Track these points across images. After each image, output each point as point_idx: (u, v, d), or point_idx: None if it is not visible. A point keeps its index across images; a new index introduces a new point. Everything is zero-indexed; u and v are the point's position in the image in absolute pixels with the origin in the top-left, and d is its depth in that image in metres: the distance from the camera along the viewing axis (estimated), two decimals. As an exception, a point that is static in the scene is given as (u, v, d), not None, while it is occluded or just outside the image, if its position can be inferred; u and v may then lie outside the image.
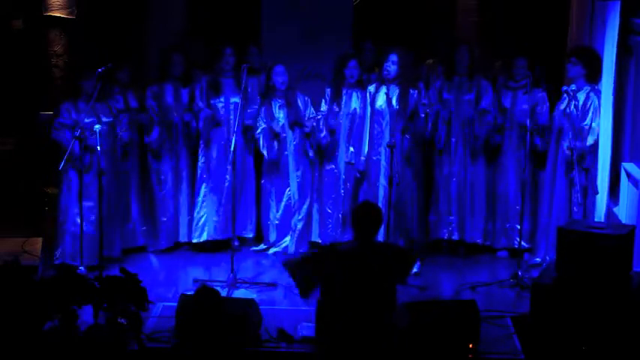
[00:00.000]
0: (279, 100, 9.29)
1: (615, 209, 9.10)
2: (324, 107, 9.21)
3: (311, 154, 9.32)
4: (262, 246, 9.57)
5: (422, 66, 9.67)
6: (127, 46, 10.18)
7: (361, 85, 9.07)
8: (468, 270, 9.06)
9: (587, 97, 8.72)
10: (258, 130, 9.25)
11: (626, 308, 7.08)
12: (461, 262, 9.30)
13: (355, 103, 9.06)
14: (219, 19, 10.86)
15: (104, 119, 8.80)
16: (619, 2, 8.69)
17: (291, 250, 9.34)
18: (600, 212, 8.89)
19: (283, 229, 9.46)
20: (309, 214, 9.44)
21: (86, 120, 8.63)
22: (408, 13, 10.91)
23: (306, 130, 9.25)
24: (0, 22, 10.74)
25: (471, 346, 7.03)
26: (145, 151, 9.42)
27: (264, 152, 9.29)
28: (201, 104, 9.34)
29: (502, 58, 9.58)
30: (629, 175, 8.89)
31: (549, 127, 8.94)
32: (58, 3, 9.50)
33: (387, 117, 8.67)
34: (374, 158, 8.72)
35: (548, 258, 8.85)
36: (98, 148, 8.35)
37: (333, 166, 9.26)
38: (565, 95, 8.76)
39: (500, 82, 9.36)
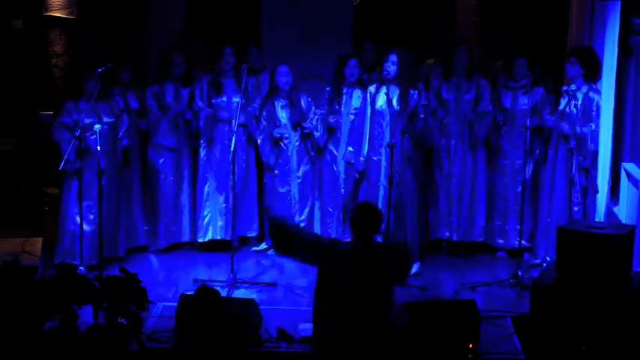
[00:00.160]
0: (283, 100, 9.30)
1: (615, 209, 9.11)
2: (323, 108, 9.22)
3: (312, 153, 9.32)
4: (263, 245, 9.56)
5: (422, 66, 9.68)
6: (127, 46, 10.18)
7: (361, 85, 9.08)
8: (468, 270, 9.06)
9: (587, 97, 8.72)
10: (260, 138, 9.26)
11: (626, 308, 7.08)
12: (461, 262, 9.30)
13: (356, 102, 9.06)
14: (219, 19, 10.87)
15: (105, 119, 8.80)
16: (619, 2, 8.70)
17: None
18: (600, 212, 8.90)
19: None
20: (310, 214, 9.44)
21: (86, 120, 8.62)
22: (407, 13, 10.92)
23: (306, 130, 9.25)
24: (0, 22, 10.75)
25: (471, 346, 7.03)
26: (144, 151, 9.42)
27: (265, 159, 9.32)
28: (201, 104, 9.34)
29: (502, 58, 9.58)
30: (629, 175, 8.90)
31: (550, 128, 8.94)
32: (58, 3, 9.50)
33: (387, 117, 8.67)
34: (374, 158, 8.72)
35: (548, 258, 8.85)
36: (98, 148, 8.35)
37: (334, 167, 9.27)
38: (565, 95, 8.76)
39: (500, 81, 9.36)
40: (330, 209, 9.29)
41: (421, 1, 11.03)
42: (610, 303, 7.08)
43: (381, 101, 8.70)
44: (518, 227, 8.92)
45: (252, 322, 7.30)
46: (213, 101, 9.34)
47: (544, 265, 8.70)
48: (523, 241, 8.90)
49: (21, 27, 10.76)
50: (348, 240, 6.49)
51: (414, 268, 8.84)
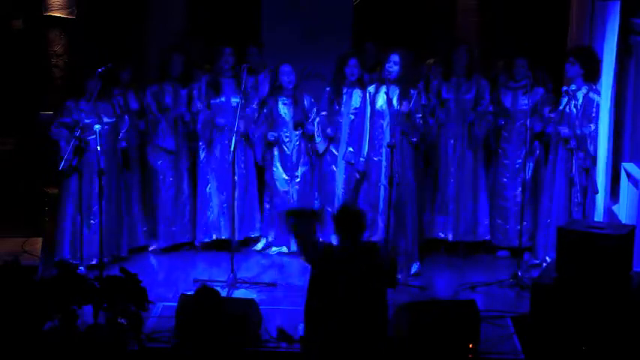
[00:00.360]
0: (286, 99, 9.30)
1: (615, 209, 9.11)
2: (323, 113, 9.23)
3: (312, 154, 9.33)
4: (262, 244, 9.56)
5: (422, 66, 9.68)
6: (127, 46, 10.18)
7: (361, 85, 9.08)
8: (468, 270, 9.06)
9: (586, 97, 8.72)
10: (256, 136, 9.27)
11: (626, 308, 7.08)
12: (461, 262, 9.30)
13: (356, 102, 9.06)
14: (219, 19, 10.87)
15: (106, 119, 8.79)
16: (619, 2, 8.70)
17: (293, 248, 9.33)
18: (600, 212, 8.90)
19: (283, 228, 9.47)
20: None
21: (86, 120, 8.62)
22: (407, 13, 10.92)
23: (307, 132, 9.26)
24: (0, 22, 10.75)
25: (471, 346, 7.03)
26: (143, 152, 9.42)
27: (257, 157, 9.33)
28: (199, 104, 9.34)
29: (502, 58, 9.59)
30: (629, 175, 8.90)
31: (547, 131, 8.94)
32: (58, 3, 9.50)
33: (387, 117, 8.66)
34: (374, 159, 8.72)
35: (548, 258, 8.85)
36: (98, 148, 8.34)
37: (334, 167, 9.27)
38: (565, 95, 8.76)
39: (501, 81, 9.36)
40: (330, 209, 9.29)
41: (421, 1, 11.03)
42: (610, 303, 7.08)
43: (380, 101, 8.69)
44: (519, 227, 8.92)
45: (252, 322, 7.30)
46: (212, 101, 9.34)
47: (544, 265, 8.69)
48: (523, 241, 8.89)
49: (21, 27, 10.76)
50: (336, 242, 6.50)
51: (414, 268, 8.84)
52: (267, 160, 9.43)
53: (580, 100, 8.72)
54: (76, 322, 6.97)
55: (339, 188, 9.24)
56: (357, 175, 8.82)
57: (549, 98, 9.08)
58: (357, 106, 9.03)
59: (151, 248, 9.52)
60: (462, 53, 9.24)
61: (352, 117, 9.06)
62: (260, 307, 7.51)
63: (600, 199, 8.88)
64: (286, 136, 9.34)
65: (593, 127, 8.66)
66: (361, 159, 8.73)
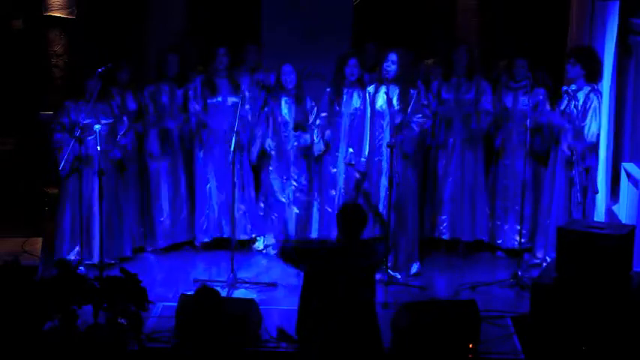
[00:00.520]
0: (289, 98, 9.30)
1: (615, 209, 9.11)
2: (323, 115, 9.22)
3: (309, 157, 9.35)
4: (261, 243, 9.57)
5: (422, 66, 9.68)
6: (127, 46, 10.18)
7: (361, 85, 9.07)
8: (467, 270, 9.06)
9: (587, 98, 8.72)
10: (257, 144, 9.28)
11: (626, 308, 7.08)
12: (461, 261, 9.30)
13: (356, 103, 9.06)
14: (219, 19, 10.87)
15: (103, 120, 8.78)
16: (619, 2, 8.70)
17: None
18: (600, 212, 8.90)
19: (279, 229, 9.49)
20: (308, 216, 9.42)
21: (85, 120, 8.61)
22: (407, 13, 10.92)
23: (304, 144, 9.27)
24: (0, 22, 10.75)
25: (471, 346, 7.03)
26: (141, 152, 9.42)
27: (252, 160, 9.37)
28: (194, 105, 9.33)
29: (503, 58, 9.59)
30: (629, 175, 8.90)
31: (549, 127, 8.93)
32: (58, 3, 9.50)
33: (387, 117, 8.66)
34: (375, 159, 8.72)
35: (548, 258, 8.86)
36: (98, 148, 8.34)
37: (334, 169, 9.27)
38: (565, 95, 8.76)
39: (502, 81, 9.36)
40: (330, 209, 9.28)
41: (421, 1, 11.02)
42: (610, 303, 7.08)
43: (380, 101, 8.69)
44: (518, 227, 8.92)
45: (252, 322, 7.30)
46: (209, 101, 9.34)
47: (544, 265, 8.70)
48: (523, 241, 8.89)
49: (21, 27, 10.76)
50: (335, 240, 6.50)
51: (414, 268, 8.84)
52: (264, 159, 9.42)
53: (580, 101, 8.72)
54: (76, 322, 6.97)
55: (339, 189, 9.23)
56: (357, 176, 8.81)
57: (549, 98, 9.08)
58: (357, 106, 9.03)
59: (149, 248, 9.52)
60: (462, 53, 9.24)
61: (352, 117, 9.05)
62: (260, 307, 7.51)
63: (600, 199, 8.88)
64: (285, 136, 9.33)
65: (594, 125, 8.64)
66: (362, 159, 8.72)
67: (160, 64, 9.38)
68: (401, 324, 7.02)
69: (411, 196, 8.75)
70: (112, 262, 8.87)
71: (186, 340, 6.99)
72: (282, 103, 9.30)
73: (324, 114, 9.22)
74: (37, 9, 9.65)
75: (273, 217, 9.46)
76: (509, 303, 8.17)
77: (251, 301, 7.49)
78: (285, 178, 9.38)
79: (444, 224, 9.37)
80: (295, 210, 9.39)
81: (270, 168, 9.39)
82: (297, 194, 9.37)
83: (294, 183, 9.38)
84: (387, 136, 8.65)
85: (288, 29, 10.13)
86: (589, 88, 8.72)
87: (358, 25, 10.38)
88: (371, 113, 8.71)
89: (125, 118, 9.04)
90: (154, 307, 7.76)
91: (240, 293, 8.36)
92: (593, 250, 7.16)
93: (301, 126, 9.30)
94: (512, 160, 9.22)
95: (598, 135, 8.71)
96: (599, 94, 8.71)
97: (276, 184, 9.40)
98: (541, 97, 9.05)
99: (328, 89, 9.22)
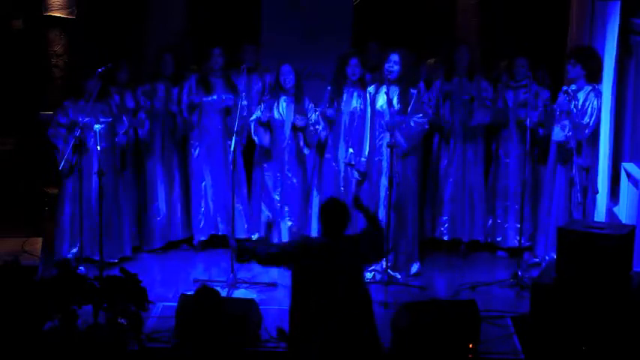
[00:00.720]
0: (287, 98, 9.29)
1: (615, 209, 9.11)
2: (324, 106, 9.22)
3: (306, 150, 9.30)
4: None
5: (422, 66, 9.68)
6: (127, 46, 10.17)
7: (362, 85, 9.07)
8: (467, 270, 9.06)
9: (587, 97, 8.71)
10: (253, 117, 9.24)
11: (626, 308, 7.08)
12: (461, 261, 9.30)
13: (356, 102, 9.06)
14: (219, 19, 10.86)
15: (102, 119, 8.78)
16: (619, 2, 8.70)
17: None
18: (600, 212, 8.90)
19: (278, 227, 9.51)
20: (301, 217, 9.41)
21: (85, 120, 8.60)
22: (408, 13, 10.91)
23: (298, 124, 9.20)
24: (0, 22, 10.74)
25: (471, 346, 7.03)
26: (138, 151, 9.41)
27: (256, 138, 9.27)
28: (185, 100, 9.33)
29: (503, 58, 9.59)
30: (629, 175, 8.89)
31: (550, 117, 8.91)
32: (58, 3, 9.50)
33: (388, 117, 8.65)
34: (375, 159, 8.71)
35: (548, 258, 8.86)
36: (98, 148, 8.34)
37: (334, 164, 9.26)
38: (565, 95, 8.75)
39: (503, 81, 9.36)
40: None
41: (421, 1, 11.02)
42: (610, 303, 7.08)
43: (381, 101, 8.69)
44: (518, 226, 8.92)
45: (252, 322, 7.30)
46: (204, 99, 9.35)
47: (544, 264, 8.70)
48: (523, 241, 8.89)
49: (21, 27, 10.76)
50: (318, 236, 6.51)
51: (414, 268, 8.84)
52: (257, 157, 9.41)
53: (580, 101, 8.71)
54: (76, 322, 6.97)
55: (339, 188, 9.23)
56: (357, 176, 8.80)
57: (549, 99, 9.08)
58: (357, 106, 9.02)
59: (146, 248, 9.51)
60: (463, 52, 9.24)
61: (352, 117, 9.05)
62: (260, 307, 7.50)
63: (600, 199, 8.87)
64: (281, 135, 9.32)
65: (587, 119, 8.63)
66: (362, 159, 8.72)
67: (156, 63, 9.38)
68: (401, 324, 7.02)
69: (411, 196, 8.75)
70: (114, 261, 8.87)
71: (186, 340, 7.00)
72: (281, 102, 9.30)
73: (321, 108, 9.20)
74: (37, 9, 9.65)
75: (266, 215, 9.47)
76: (509, 303, 8.17)
77: (251, 301, 7.49)
78: (279, 175, 9.37)
79: (445, 225, 9.38)
80: (288, 222, 9.40)
81: (265, 165, 9.39)
82: (293, 229, 9.36)
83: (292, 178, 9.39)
84: (387, 136, 8.64)
85: (288, 29, 10.12)
86: (589, 88, 8.72)
87: (358, 25, 10.37)
88: (371, 113, 8.71)
89: (124, 118, 9.03)
90: (154, 307, 7.77)
91: (240, 293, 8.36)
92: (593, 250, 7.16)
93: (299, 127, 9.29)
94: (512, 160, 9.22)
95: (597, 131, 8.71)
96: (599, 94, 8.71)
97: (269, 182, 9.40)
98: (540, 97, 9.05)
99: (329, 88, 9.22)
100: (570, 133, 8.55)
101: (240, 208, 9.48)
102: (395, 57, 8.61)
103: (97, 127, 8.41)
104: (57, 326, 6.97)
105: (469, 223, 9.39)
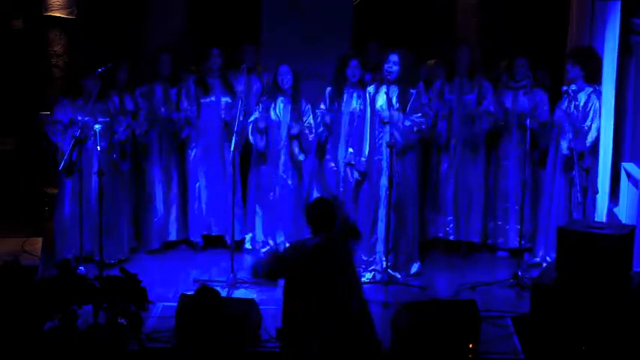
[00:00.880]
0: (285, 99, 9.29)
1: (615, 209, 9.10)
2: (322, 107, 9.21)
3: (301, 157, 9.30)
4: (249, 243, 9.57)
5: (423, 66, 9.67)
6: (127, 46, 10.17)
7: (362, 85, 9.06)
8: (467, 270, 9.06)
9: (588, 98, 8.72)
10: (251, 118, 9.23)
11: (626, 308, 7.07)
12: (461, 261, 9.30)
13: (356, 103, 9.06)
14: (219, 19, 10.87)
15: (100, 119, 8.77)
16: (619, 2, 8.69)
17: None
18: (600, 212, 8.89)
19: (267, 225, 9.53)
20: (297, 218, 9.43)
21: (84, 119, 8.60)
22: (408, 13, 10.91)
23: (291, 133, 9.23)
24: (0, 22, 10.75)
25: (471, 346, 7.03)
26: (136, 152, 9.41)
27: (252, 138, 9.26)
28: (187, 104, 9.34)
29: (503, 58, 9.59)
30: (629, 175, 8.89)
31: (550, 124, 8.92)
32: (58, 3, 9.50)
33: (387, 115, 8.64)
34: (375, 159, 8.71)
35: (548, 258, 8.86)
36: (98, 148, 8.34)
37: (333, 164, 9.26)
38: (565, 95, 8.76)
39: (502, 81, 9.36)
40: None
41: (421, 1, 11.02)
42: (610, 303, 7.08)
43: (380, 101, 8.69)
44: (518, 227, 8.92)
45: (252, 322, 7.30)
46: (202, 100, 9.35)
47: (544, 265, 8.69)
48: (523, 241, 8.89)
49: (21, 27, 10.76)
50: (308, 237, 6.52)
51: (414, 268, 8.84)
52: (254, 158, 9.42)
53: (581, 101, 8.71)
54: (76, 322, 6.97)
55: (339, 187, 9.24)
56: (357, 176, 8.80)
57: (549, 99, 9.09)
58: (358, 106, 9.02)
59: (144, 249, 9.50)
60: (464, 52, 9.24)
61: (352, 117, 9.05)
62: (260, 307, 7.50)
63: (600, 199, 8.87)
64: (277, 135, 9.32)
65: (588, 122, 8.64)
66: (362, 159, 8.72)
67: (153, 64, 9.37)
68: (401, 324, 7.02)
69: (411, 196, 8.75)
70: (113, 262, 8.87)
71: (186, 340, 7.00)
72: (278, 102, 9.30)
73: (323, 107, 9.20)
74: (37, 9, 9.65)
75: (260, 216, 9.47)
76: (509, 303, 8.17)
77: (251, 301, 7.49)
78: (274, 175, 9.38)
79: (451, 225, 9.37)
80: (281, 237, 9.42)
81: (261, 166, 9.39)
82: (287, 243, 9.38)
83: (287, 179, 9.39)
84: (386, 136, 8.64)
85: (288, 29, 10.13)
86: (590, 89, 8.72)
87: (358, 25, 10.38)
88: (371, 113, 8.71)
89: (120, 118, 9.01)
90: (153, 307, 7.76)
91: (240, 293, 8.36)
92: (593, 250, 7.16)
93: (293, 136, 9.29)
94: (512, 161, 9.22)
95: (598, 135, 8.71)
96: (599, 95, 8.71)
97: (265, 183, 9.40)
98: (540, 97, 9.05)
99: (329, 88, 9.22)
100: (573, 144, 8.56)
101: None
102: (394, 57, 8.60)
103: (97, 127, 8.40)
104: (57, 326, 6.97)
105: (469, 223, 9.38)
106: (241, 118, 9.01)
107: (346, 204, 9.01)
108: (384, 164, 8.61)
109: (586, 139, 8.61)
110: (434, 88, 9.31)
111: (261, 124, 9.19)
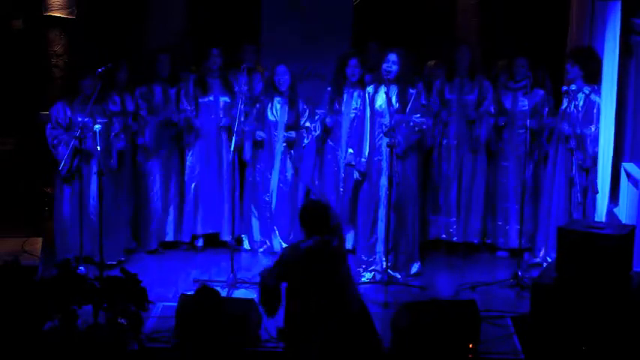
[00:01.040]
0: (281, 99, 9.30)
1: (615, 209, 9.10)
2: (323, 108, 9.22)
3: (296, 162, 9.33)
4: (246, 243, 9.58)
5: (423, 67, 9.67)
6: (127, 46, 10.17)
7: (362, 85, 9.07)
8: (467, 270, 9.06)
9: (588, 99, 8.71)
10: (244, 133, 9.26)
11: (626, 308, 7.07)
12: (461, 262, 9.30)
13: (355, 103, 9.06)
14: (219, 19, 10.87)
15: (99, 120, 8.77)
16: (619, 2, 8.69)
17: (275, 245, 9.40)
18: (600, 212, 8.89)
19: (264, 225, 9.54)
20: (293, 219, 9.43)
21: (83, 120, 8.59)
22: (408, 13, 10.91)
23: (290, 139, 9.25)
24: (0, 22, 10.75)
25: (471, 346, 7.03)
26: (135, 153, 9.40)
27: (246, 158, 9.36)
28: (186, 104, 9.33)
29: (503, 58, 9.59)
30: (629, 175, 8.89)
31: (550, 129, 8.94)
32: (58, 3, 9.50)
33: (387, 117, 8.64)
34: (375, 159, 8.71)
35: (548, 258, 8.86)
36: (98, 148, 8.34)
37: (335, 167, 9.28)
38: (565, 95, 8.76)
39: (501, 81, 9.36)
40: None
41: (421, 1, 11.02)
42: (610, 303, 7.08)
43: (380, 101, 8.68)
44: (518, 227, 8.92)
45: (252, 322, 7.29)
46: (200, 100, 9.35)
47: (544, 265, 8.69)
48: (523, 241, 8.89)
49: (21, 27, 10.76)
50: (302, 240, 6.53)
51: (415, 268, 8.84)
52: (251, 158, 9.42)
53: (581, 102, 8.72)
54: (76, 322, 6.97)
55: (339, 187, 9.24)
56: (357, 176, 8.80)
57: (549, 99, 9.09)
58: (357, 106, 9.02)
59: (143, 249, 9.50)
60: (464, 52, 9.24)
61: (352, 117, 9.05)
62: (260, 307, 7.50)
63: (600, 199, 8.87)
64: (274, 136, 9.33)
65: (593, 128, 8.66)
66: (362, 159, 8.72)
67: (152, 64, 9.37)
68: (401, 324, 7.02)
69: (411, 196, 8.74)
70: (113, 262, 8.87)
71: (186, 340, 7.00)
72: (275, 103, 9.30)
73: (322, 110, 9.21)
74: (37, 9, 9.65)
75: (256, 216, 9.48)
76: (509, 303, 8.17)
77: (251, 301, 7.48)
78: (269, 175, 9.38)
79: (450, 226, 9.37)
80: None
81: (258, 166, 9.39)
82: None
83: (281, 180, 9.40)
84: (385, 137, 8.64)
85: (288, 29, 10.13)
86: (589, 90, 8.72)
87: (358, 25, 10.38)
88: (370, 113, 8.71)
89: (115, 119, 8.98)
90: (154, 307, 7.76)
91: (240, 293, 8.35)
92: (593, 250, 7.16)
93: (292, 128, 9.29)
94: (512, 161, 9.22)
95: (598, 135, 8.71)
96: (598, 94, 8.71)
97: (261, 183, 9.40)
98: (540, 98, 9.06)
99: (329, 88, 9.22)
100: (573, 145, 8.58)
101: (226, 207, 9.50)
102: (393, 57, 8.60)
103: (96, 127, 8.40)
104: (57, 326, 6.97)
105: (470, 224, 9.39)
106: (242, 119, 9.02)
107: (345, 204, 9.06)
108: (384, 164, 8.61)
109: (589, 146, 8.60)
110: (435, 88, 9.30)
111: (258, 137, 9.22)
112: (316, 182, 9.44)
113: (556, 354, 7.11)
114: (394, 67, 8.58)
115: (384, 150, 8.59)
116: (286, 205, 9.43)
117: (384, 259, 8.57)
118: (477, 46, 9.90)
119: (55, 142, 8.73)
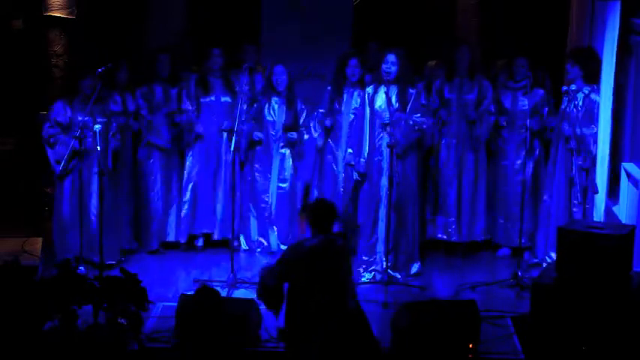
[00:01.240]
0: (279, 99, 9.30)
1: (615, 209, 9.11)
2: (323, 108, 9.22)
3: (296, 161, 9.33)
4: (243, 243, 9.58)
5: (424, 67, 9.67)
6: (127, 46, 10.17)
7: (362, 85, 9.07)
8: (467, 270, 9.06)
9: (588, 99, 8.71)
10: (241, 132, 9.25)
11: (626, 308, 7.08)
12: (460, 262, 9.30)
13: (355, 103, 9.06)
14: (219, 19, 10.87)
15: (99, 119, 8.77)
16: (619, 2, 8.69)
17: (273, 244, 9.41)
18: (600, 212, 8.90)
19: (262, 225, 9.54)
20: (292, 218, 9.43)
21: (82, 120, 8.58)
22: (408, 13, 10.92)
23: (291, 140, 9.25)
24: (0, 22, 10.75)
25: (471, 346, 7.03)
26: (135, 153, 9.40)
27: (242, 157, 9.34)
28: (188, 104, 9.34)
29: (504, 58, 9.59)
30: (629, 175, 8.89)
31: (551, 129, 8.94)
32: (58, 3, 9.50)
33: (387, 117, 8.64)
34: (375, 159, 8.71)
35: (548, 258, 8.86)
36: (98, 148, 8.34)
37: (334, 166, 9.27)
38: (565, 95, 8.76)
39: (500, 81, 9.36)
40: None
41: (421, 1, 11.03)
42: (610, 303, 7.08)
43: (380, 101, 8.68)
44: (519, 227, 8.91)
45: (252, 322, 7.30)
46: (202, 100, 9.35)
47: (544, 264, 8.70)
48: (523, 240, 8.89)
49: (21, 27, 10.76)
50: (306, 238, 6.55)
51: (414, 268, 8.84)
52: (249, 158, 9.43)
53: (581, 101, 8.72)
54: (76, 322, 6.97)
55: (339, 187, 9.24)
56: (357, 176, 8.80)
57: (549, 99, 9.09)
58: (357, 106, 9.02)
59: (144, 249, 9.50)
60: (464, 52, 9.24)
61: (352, 118, 9.05)
62: (260, 307, 7.50)
63: (600, 199, 8.87)
64: (272, 136, 9.33)
65: (595, 128, 8.66)
66: (362, 160, 8.72)
67: (152, 64, 9.37)
68: (401, 324, 7.02)
69: (411, 196, 8.75)
70: (113, 262, 8.88)
71: (186, 340, 7.00)
72: (272, 103, 9.30)
73: (322, 110, 9.21)
74: (37, 9, 9.65)
75: (254, 216, 9.48)
76: (509, 303, 8.17)
77: (251, 301, 7.48)
78: (268, 175, 9.38)
79: (450, 226, 9.37)
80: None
81: (257, 166, 9.39)
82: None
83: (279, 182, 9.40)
84: (386, 136, 8.64)
85: (288, 29, 10.14)
86: (589, 89, 8.72)
87: (358, 25, 10.38)
88: (370, 113, 8.71)
89: (112, 119, 8.97)
90: (154, 307, 7.76)
91: (240, 293, 8.35)
92: (593, 250, 7.16)
93: (291, 128, 9.30)
94: (512, 161, 9.23)
95: (597, 135, 8.72)
96: (598, 94, 8.71)
97: (259, 183, 9.40)
98: (540, 97, 9.06)
99: (329, 88, 9.22)
100: (581, 163, 8.59)
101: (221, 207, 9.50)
102: (392, 57, 8.60)
103: (96, 127, 8.40)
104: (57, 326, 6.97)
105: (470, 224, 9.38)
106: (242, 118, 9.02)
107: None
108: (384, 164, 8.61)
109: (590, 146, 8.60)
110: (435, 88, 9.30)
111: (256, 137, 9.23)
112: (315, 182, 9.44)
113: (556, 354, 7.11)
114: (393, 68, 8.58)
115: (384, 150, 8.59)
116: (285, 205, 9.43)
117: (384, 259, 8.57)
118: (477, 46, 9.90)
119: (51, 140, 8.72)
